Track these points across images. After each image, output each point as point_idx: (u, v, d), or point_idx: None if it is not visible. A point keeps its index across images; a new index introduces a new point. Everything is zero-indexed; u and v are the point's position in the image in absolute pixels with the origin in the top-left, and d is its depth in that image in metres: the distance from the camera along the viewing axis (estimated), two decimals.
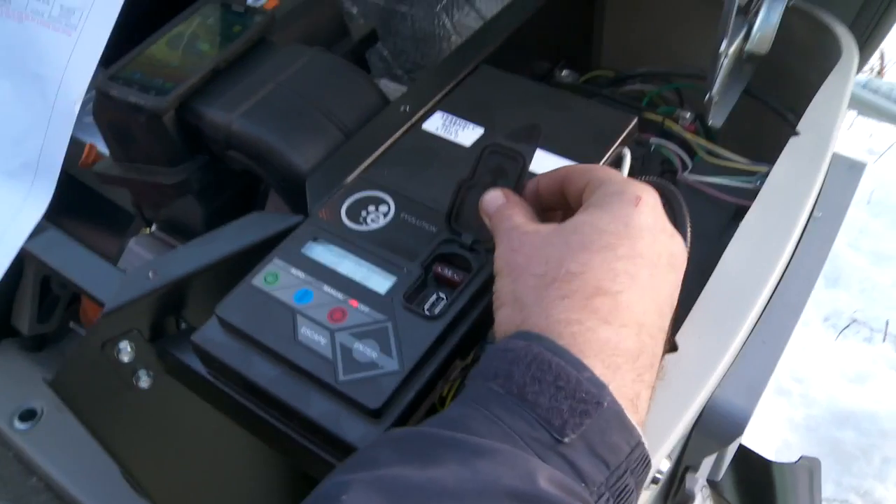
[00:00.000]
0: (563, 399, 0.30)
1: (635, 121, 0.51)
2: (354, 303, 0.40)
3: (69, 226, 0.61)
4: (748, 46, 0.57)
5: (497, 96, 0.54)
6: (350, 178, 0.48)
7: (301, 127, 0.54)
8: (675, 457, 0.39)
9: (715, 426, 0.36)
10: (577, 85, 0.66)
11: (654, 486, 0.37)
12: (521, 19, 0.62)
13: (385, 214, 0.45)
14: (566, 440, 0.30)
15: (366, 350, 0.38)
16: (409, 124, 0.52)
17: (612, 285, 0.33)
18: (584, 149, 0.49)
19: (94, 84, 0.58)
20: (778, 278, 0.42)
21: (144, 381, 0.48)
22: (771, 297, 0.41)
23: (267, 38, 0.61)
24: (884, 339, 1.53)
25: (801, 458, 0.70)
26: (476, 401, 0.32)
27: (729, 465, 0.53)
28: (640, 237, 0.35)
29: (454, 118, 0.52)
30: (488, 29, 0.61)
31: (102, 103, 0.58)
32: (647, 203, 0.36)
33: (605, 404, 0.30)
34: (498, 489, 0.27)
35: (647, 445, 0.32)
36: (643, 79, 0.69)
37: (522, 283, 0.35)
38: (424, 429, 0.31)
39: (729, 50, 0.53)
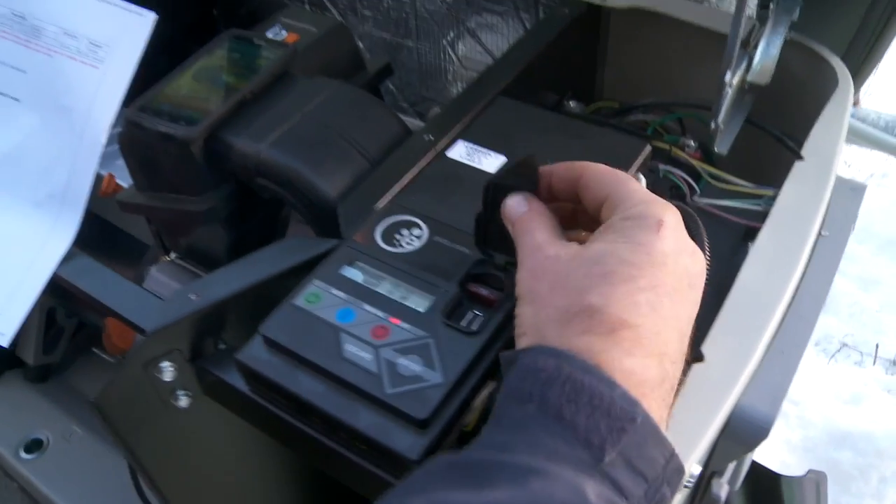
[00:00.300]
0: (599, 418, 0.31)
1: (649, 147, 0.53)
2: (396, 320, 0.42)
3: None
4: (749, 77, 0.60)
5: (515, 126, 0.57)
6: (381, 204, 0.50)
7: (328, 155, 0.56)
8: (702, 463, 0.41)
9: (741, 431, 0.38)
10: (587, 115, 0.69)
11: (684, 489, 0.39)
12: (532, 54, 0.65)
13: (419, 237, 0.47)
14: (606, 458, 0.30)
15: (410, 364, 0.40)
16: (433, 153, 0.54)
17: (635, 318, 0.33)
18: None
19: (123, 115, 0.60)
20: (792, 293, 0.44)
21: (183, 401, 0.49)
22: (786, 311, 0.43)
23: (289, 70, 0.64)
24: (874, 363, 1.56)
25: (808, 471, 0.72)
26: (516, 426, 0.32)
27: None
28: (662, 265, 0.35)
29: (476, 147, 0.55)
30: (502, 63, 0.64)
31: (131, 133, 0.60)
32: (669, 226, 0.36)
33: (639, 420, 0.31)
34: None
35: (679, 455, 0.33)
36: (644, 109, 0.72)
37: (545, 315, 0.35)
38: (473, 454, 0.32)
39: (733, 80, 0.56)
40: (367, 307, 0.43)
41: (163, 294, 0.60)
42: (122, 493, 0.74)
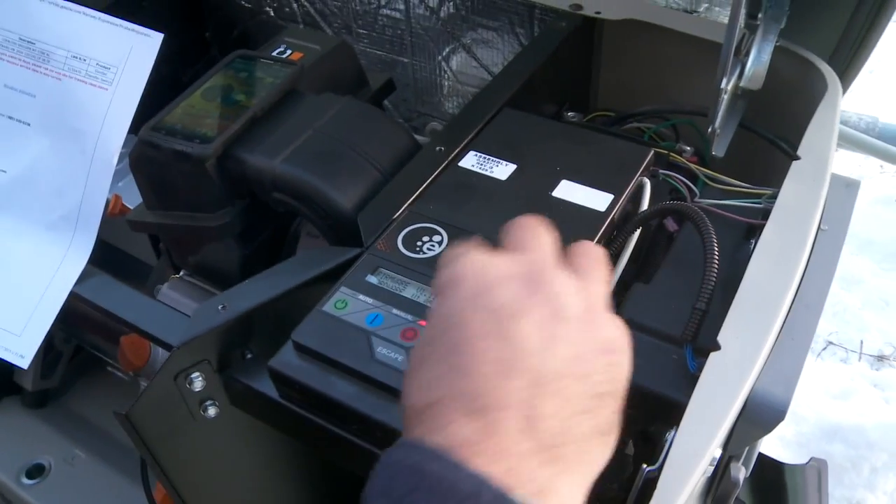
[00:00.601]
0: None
1: (653, 153, 0.56)
2: (424, 323, 0.44)
3: None
4: (742, 83, 0.63)
5: (522, 135, 0.59)
6: (400, 213, 0.52)
7: (341, 168, 0.58)
8: (722, 447, 0.43)
9: (759, 414, 0.40)
10: (587, 124, 0.71)
11: (706, 474, 0.41)
12: (534, 67, 0.67)
13: (439, 243, 0.49)
14: None
15: None
16: (445, 163, 0.56)
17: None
18: (609, 179, 0.54)
19: (137, 135, 0.61)
20: (798, 283, 0.47)
21: (212, 411, 0.50)
22: (794, 300, 0.46)
23: (296, 88, 0.66)
24: (860, 359, 1.60)
25: (811, 459, 0.74)
26: None
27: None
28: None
29: (486, 156, 0.57)
30: (505, 76, 0.67)
31: (144, 153, 0.61)
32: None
33: (483, 494, 0.29)
34: None
35: None
36: (640, 117, 0.75)
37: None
38: None
39: (728, 87, 0.59)
40: (395, 311, 0.44)
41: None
42: None
